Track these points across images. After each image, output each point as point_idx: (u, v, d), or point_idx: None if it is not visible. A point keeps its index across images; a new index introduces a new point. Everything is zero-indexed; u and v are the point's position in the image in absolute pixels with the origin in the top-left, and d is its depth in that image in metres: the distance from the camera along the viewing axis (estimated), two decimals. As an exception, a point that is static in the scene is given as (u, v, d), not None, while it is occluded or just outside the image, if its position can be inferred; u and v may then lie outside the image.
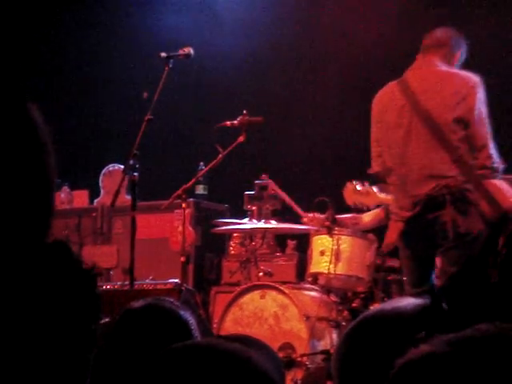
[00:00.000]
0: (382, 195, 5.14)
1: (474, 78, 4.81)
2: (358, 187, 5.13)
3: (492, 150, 4.75)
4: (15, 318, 1.11)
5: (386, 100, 4.95)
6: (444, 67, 4.93)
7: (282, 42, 7.72)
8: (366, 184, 5.20)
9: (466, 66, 5.02)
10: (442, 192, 4.70)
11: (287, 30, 7.70)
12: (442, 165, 4.74)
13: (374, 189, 5.10)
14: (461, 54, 4.99)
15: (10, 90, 1.15)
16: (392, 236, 4.80)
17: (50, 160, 1.17)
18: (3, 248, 1.12)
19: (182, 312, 1.87)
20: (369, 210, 5.16)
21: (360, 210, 5.19)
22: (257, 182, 6.58)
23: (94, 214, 7.15)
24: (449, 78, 4.87)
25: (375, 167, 4.96)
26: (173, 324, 1.89)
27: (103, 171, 7.32)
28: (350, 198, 5.16)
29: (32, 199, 1.15)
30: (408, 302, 1.32)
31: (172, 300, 2.04)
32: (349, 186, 5.20)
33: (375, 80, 5.63)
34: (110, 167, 7.27)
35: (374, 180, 5.00)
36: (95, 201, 7.37)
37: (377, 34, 7.40)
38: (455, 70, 4.94)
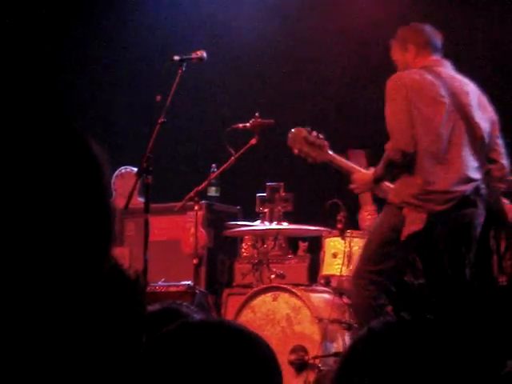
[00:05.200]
0: (335, 156, 5.03)
1: None
2: (310, 136, 5.01)
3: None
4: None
5: (424, 89, 4.80)
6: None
7: (293, 44, 7.73)
8: (321, 136, 5.08)
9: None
10: (474, 192, 4.74)
11: (299, 33, 7.71)
12: (478, 171, 4.78)
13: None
14: None
15: (66, 124, 1.14)
16: (418, 225, 4.71)
17: (110, 199, 1.17)
18: (67, 287, 1.13)
19: (198, 317, 1.88)
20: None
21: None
22: (268, 184, 6.59)
23: (106, 216, 7.17)
24: (476, 90, 4.92)
25: (412, 147, 4.79)
26: None
27: (115, 173, 7.34)
28: (297, 144, 4.98)
29: (92, 239, 1.16)
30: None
31: (188, 304, 2.05)
32: (300, 131, 5.01)
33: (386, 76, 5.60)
34: (123, 169, 7.29)
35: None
36: (107, 203, 7.39)
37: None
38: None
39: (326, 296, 5.79)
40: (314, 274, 6.32)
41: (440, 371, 0.92)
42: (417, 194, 4.72)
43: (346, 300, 5.71)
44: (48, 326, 1.09)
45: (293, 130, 5.03)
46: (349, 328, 5.53)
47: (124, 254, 6.92)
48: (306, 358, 5.46)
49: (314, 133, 5.02)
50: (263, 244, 6.29)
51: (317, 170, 7.50)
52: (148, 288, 5.41)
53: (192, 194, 5.87)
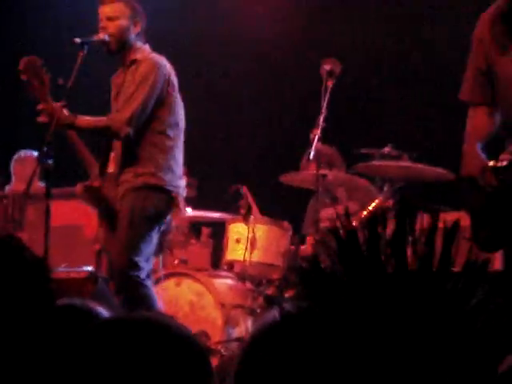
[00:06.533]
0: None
1: None
2: (43, 71, 4.92)
3: None
4: None
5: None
6: None
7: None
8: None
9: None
10: None
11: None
12: None
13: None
14: None
15: None
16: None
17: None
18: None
19: (99, 312, 1.84)
20: None
21: None
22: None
23: (4, 201, 7.01)
24: None
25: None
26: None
27: (14, 157, 7.16)
28: (29, 72, 4.94)
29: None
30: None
31: (85, 301, 1.98)
32: (38, 61, 4.96)
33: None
34: (22, 153, 7.12)
35: None
36: (6, 188, 7.22)
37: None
38: None
39: (229, 281, 5.81)
40: (217, 259, 6.32)
41: (351, 357, 0.91)
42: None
43: (248, 285, 5.74)
44: None
45: (32, 57, 4.97)
46: (251, 313, 5.56)
47: (24, 240, 6.76)
48: (209, 343, 5.46)
49: (45, 70, 4.99)
50: (166, 229, 6.25)
51: (220, 155, 7.50)
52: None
53: (94, 178, 5.77)
